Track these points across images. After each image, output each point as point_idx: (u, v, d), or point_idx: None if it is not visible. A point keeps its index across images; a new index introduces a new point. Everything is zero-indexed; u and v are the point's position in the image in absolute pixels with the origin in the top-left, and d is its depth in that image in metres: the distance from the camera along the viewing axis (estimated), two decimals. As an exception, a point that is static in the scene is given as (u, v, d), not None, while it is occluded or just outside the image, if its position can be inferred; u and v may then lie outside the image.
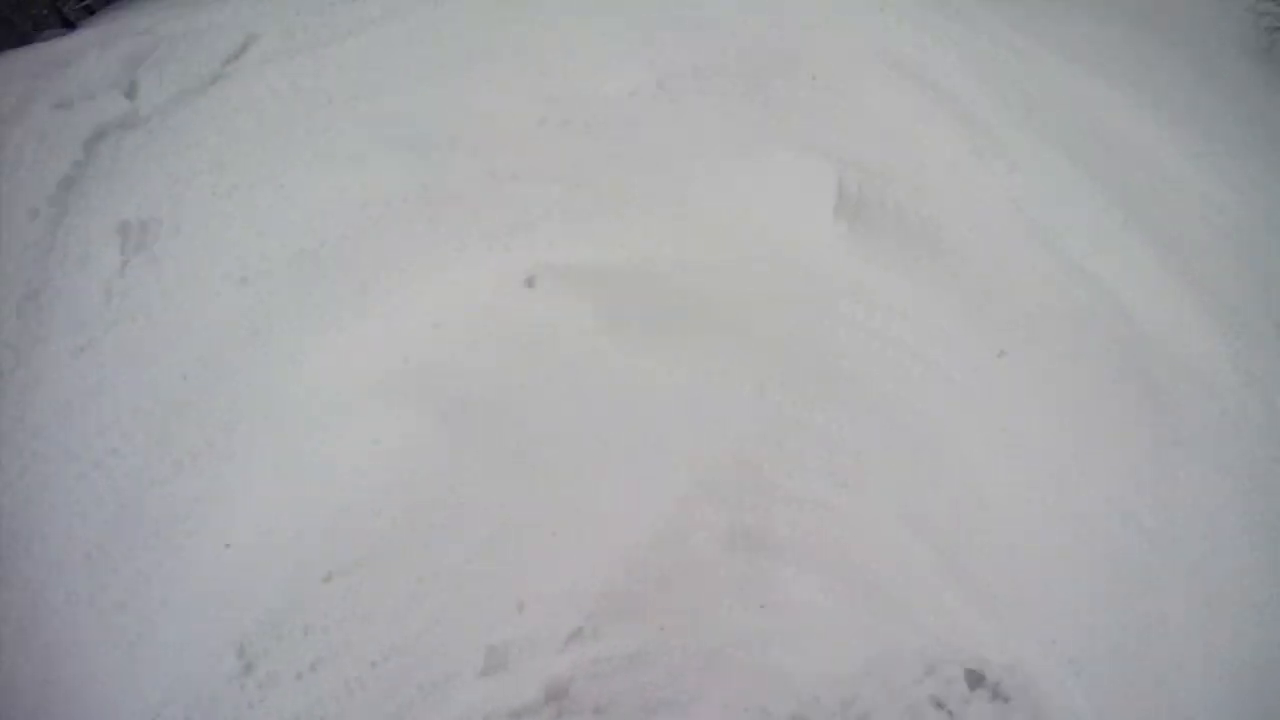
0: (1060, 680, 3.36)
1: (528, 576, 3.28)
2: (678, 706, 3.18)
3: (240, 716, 3.08)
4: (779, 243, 4.33)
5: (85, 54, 6.40)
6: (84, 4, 9.61)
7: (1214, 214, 5.41)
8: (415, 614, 3.19)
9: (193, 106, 5.44)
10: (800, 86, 5.10)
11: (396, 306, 3.80)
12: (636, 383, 3.65)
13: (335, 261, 4.00)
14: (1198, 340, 4.65)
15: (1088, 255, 4.91)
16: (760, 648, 3.32)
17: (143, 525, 3.47)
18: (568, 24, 5.36)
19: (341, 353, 3.73)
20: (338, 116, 4.79)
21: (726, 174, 4.56)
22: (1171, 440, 4.04)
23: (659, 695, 3.20)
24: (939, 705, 3.27)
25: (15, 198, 4.81)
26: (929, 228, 4.75)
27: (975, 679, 3.31)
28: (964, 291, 4.51)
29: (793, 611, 3.39)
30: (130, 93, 5.89)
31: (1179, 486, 3.86)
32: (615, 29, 5.33)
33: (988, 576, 3.58)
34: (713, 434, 3.63)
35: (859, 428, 3.85)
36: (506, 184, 4.30)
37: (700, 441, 3.59)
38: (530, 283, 3.83)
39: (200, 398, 3.67)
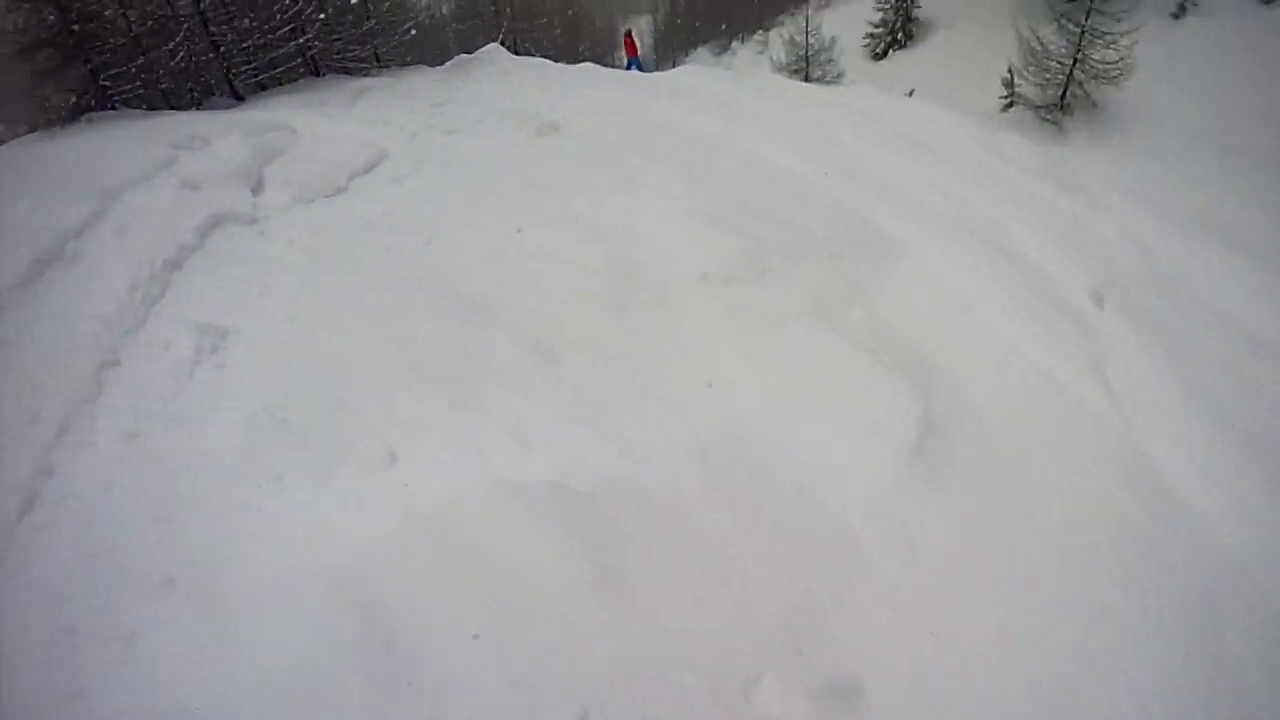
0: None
1: None
2: None
3: None
4: (819, 476, 3.92)
5: (228, 136, 6.88)
6: (257, 79, 10.63)
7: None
8: None
9: (305, 217, 5.68)
10: (881, 264, 4.78)
11: (378, 487, 3.68)
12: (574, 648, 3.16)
13: (360, 419, 4.02)
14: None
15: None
16: None
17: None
18: (663, 201, 5.26)
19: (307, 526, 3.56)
20: (402, 257, 4.90)
21: (796, 390, 4.31)
22: None
23: None
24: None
25: (117, 270, 5.07)
26: (1008, 461, 4.18)
27: None
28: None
29: None
30: (256, 188, 6.27)
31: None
32: (692, 201, 5.21)
33: None
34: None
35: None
36: (545, 367, 4.22)
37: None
38: (522, 502, 3.53)
39: (186, 538, 3.51)
